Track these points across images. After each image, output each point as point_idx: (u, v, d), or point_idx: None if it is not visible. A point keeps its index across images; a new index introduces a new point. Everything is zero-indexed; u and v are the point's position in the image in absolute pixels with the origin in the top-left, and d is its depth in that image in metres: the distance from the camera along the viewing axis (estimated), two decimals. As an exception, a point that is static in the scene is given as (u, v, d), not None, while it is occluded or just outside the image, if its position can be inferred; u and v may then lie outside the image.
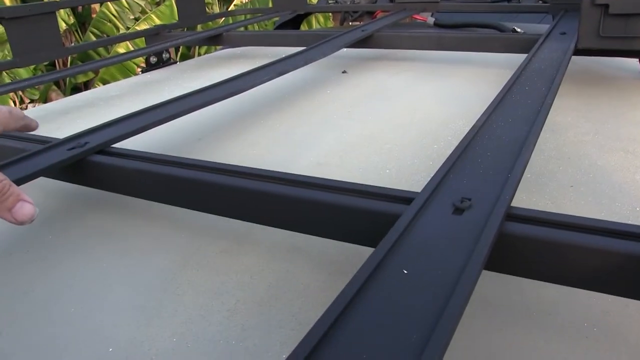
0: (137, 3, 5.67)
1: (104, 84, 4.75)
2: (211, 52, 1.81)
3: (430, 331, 0.31)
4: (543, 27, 1.65)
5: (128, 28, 5.45)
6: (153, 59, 1.57)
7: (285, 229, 0.54)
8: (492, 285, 0.49)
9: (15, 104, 5.15)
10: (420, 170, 0.75)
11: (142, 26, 5.11)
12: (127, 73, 4.81)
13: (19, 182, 0.59)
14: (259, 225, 0.56)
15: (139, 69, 1.61)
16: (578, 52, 1.02)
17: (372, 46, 1.39)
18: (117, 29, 5.47)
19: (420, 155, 0.80)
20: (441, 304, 0.33)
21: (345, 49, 1.33)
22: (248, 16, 1.97)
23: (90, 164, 0.65)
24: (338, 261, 0.55)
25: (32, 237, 0.64)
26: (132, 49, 4.58)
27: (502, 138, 0.59)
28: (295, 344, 0.30)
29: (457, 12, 2.16)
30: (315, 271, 0.54)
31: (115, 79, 4.50)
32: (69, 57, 5.12)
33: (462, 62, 1.36)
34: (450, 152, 0.55)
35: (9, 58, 1.35)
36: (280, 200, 0.52)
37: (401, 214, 0.44)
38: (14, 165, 0.61)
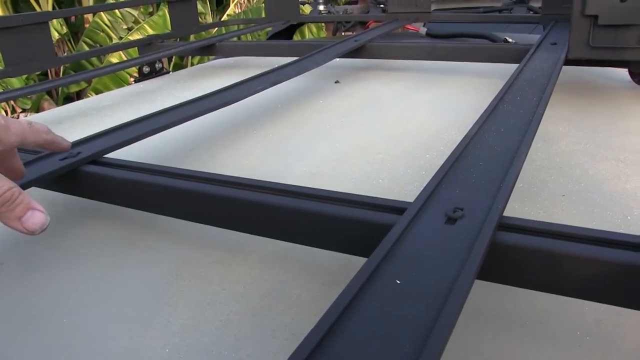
0: (130, 13, 5.67)
1: (96, 93, 4.74)
2: (204, 62, 1.82)
3: (423, 341, 0.31)
4: (534, 38, 1.66)
5: (121, 38, 5.45)
6: (146, 69, 1.57)
7: (279, 239, 0.54)
8: (485, 295, 0.49)
9: (6, 114, 5.13)
10: (413, 180, 0.75)
11: (135, 36, 5.10)
12: (120, 83, 4.81)
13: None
14: (252, 235, 0.55)
15: (132, 79, 1.61)
16: (569, 62, 1.03)
17: (364, 56, 1.39)
18: (110, 38, 5.47)
19: (412, 165, 0.80)
20: (434, 314, 0.33)
21: (338, 59, 1.34)
22: (241, 26, 1.98)
23: (83, 174, 0.64)
24: (331, 271, 0.55)
25: (25, 248, 0.63)
26: (125, 58, 4.58)
27: (494, 148, 0.59)
28: (289, 354, 0.30)
29: (449, 22, 2.18)
30: (309, 281, 0.54)
31: (108, 89, 4.50)
32: (62, 67, 5.11)
33: (454, 72, 1.37)
34: (443, 162, 0.56)
35: (1, 68, 1.34)
36: (273, 210, 0.52)
37: (394, 224, 0.44)
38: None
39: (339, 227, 0.49)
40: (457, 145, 0.60)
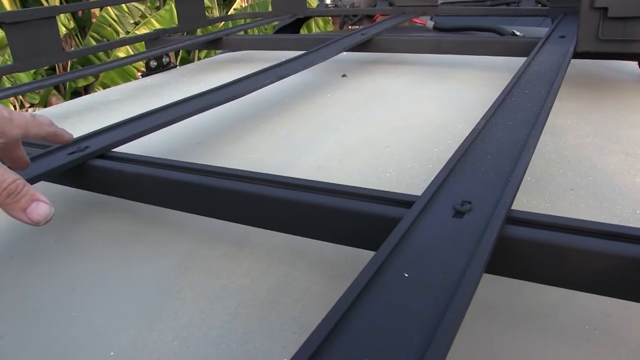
0: (137, 7, 5.68)
1: (104, 88, 4.76)
2: (211, 56, 1.82)
3: (431, 334, 0.31)
4: (542, 31, 1.65)
5: (128, 32, 5.46)
6: (153, 63, 1.57)
7: (286, 233, 0.54)
8: (493, 289, 0.49)
9: (15, 108, 5.15)
10: (421, 173, 0.75)
11: (142, 30, 5.11)
12: (127, 77, 4.82)
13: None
14: (259, 228, 0.56)
15: (139, 73, 1.61)
16: (577, 55, 1.02)
17: (371, 50, 1.39)
18: (117, 33, 5.48)
19: (420, 159, 0.80)
20: (442, 308, 0.33)
21: (345, 53, 1.34)
22: (248, 20, 1.98)
23: (91, 168, 0.65)
24: (339, 265, 0.55)
25: (34, 241, 0.64)
26: (132, 53, 4.59)
27: (502, 141, 0.59)
28: (297, 347, 0.30)
29: (457, 15, 2.17)
30: (316, 275, 0.54)
31: (115, 83, 4.51)
32: (69, 62, 5.13)
33: (461, 66, 1.36)
34: (451, 155, 0.56)
35: (9, 62, 1.35)
36: (280, 203, 0.52)
37: (402, 217, 0.44)
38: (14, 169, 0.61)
39: (347, 220, 0.49)
40: (465, 139, 0.59)
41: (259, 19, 1.97)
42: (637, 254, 0.39)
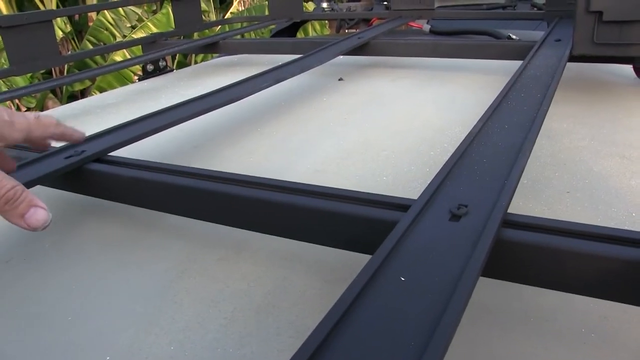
0: (134, 11, 5.68)
1: (100, 92, 4.75)
2: (208, 60, 1.82)
3: (428, 338, 0.31)
4: (538, 34, 1.66)
5: (125, 36, 5.46)
6: (150, 67, 1.57)
7: (282, 237, 0.54)
8: (490, 292, 0.49)
9: (11, 112, 5.13)
10: (417, 177, 0.75)
11: (139, 34, 5.11)
12: (124, 81, 4.81)
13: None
14: (256, 233, 0.56)
15: (136, 77, 1.61)
16: (573, 58, 1.03)
17: (368, 53, 1.39)
18: (114, 37, 5.48)
19: (417, 162, 0.80)
20: (439, 311, 0.33)
21: (341, 57, 1.34)
22: (244, 24, 1.98)
23: (88, 172, 0.64)
24: (336, 268, 0.55)
25: (30, 245, 0.64)
26: (128, 57, 4.59)
27: (499, 144, 0.59)
28: (293, 351, 0.30)
29: (453, 19, 2.17)
30: (313, 279, 0.54)
31: (112, 87, 4.51)
32: (66, 65, 5.12)
33: (457, 69, 1.36)
34: (447, 158, 0.56)
35: (5, 66, 1.35)
36: (277, 207, 0.52)
37: (398, 221, 0.44)
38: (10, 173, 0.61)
39: (344, 224, 0.49)
40: (462, 142, 0.60)
41: (256, 22, 1.98)
42: (633, 257, 0.39)
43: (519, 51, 1.18)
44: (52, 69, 5.35)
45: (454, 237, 0.41)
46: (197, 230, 0.64)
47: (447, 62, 1.41)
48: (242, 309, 0.50)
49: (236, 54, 1.75)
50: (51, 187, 0.68)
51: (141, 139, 0.73)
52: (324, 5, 2.67)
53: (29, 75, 4.66)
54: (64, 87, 5.49)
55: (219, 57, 1.82)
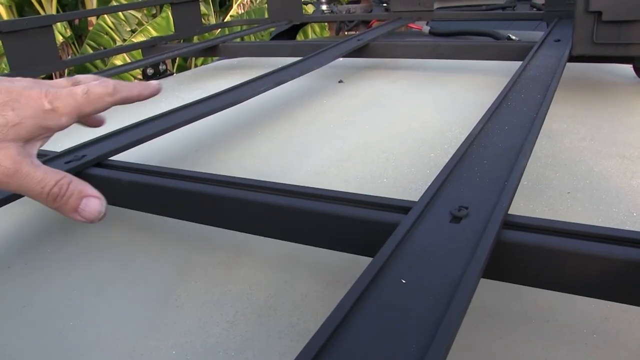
0: (134, 15, 5.69)
1: (101, 96, 4.74)
2: (208, 63, 1.82)
3: (429, 340, 0.31)
4: (537, 35, 1.66)
5: (125, 40, 5.47)
6: (150, 71, 1.57)
7: (283, 240, 0.54)
8: (491, 293, 0.49)
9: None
10: (418, 178, 0.75)
11: (139, 38, 5.11)
12: (124, 85, 4.81)
13: (15, 196, 0.59)
14: (257, 236, 0.56)
15: (136, 81, 1.60)
16: (572, 58, 1.03)
17: (368, 55, 1.39)
18: (114, 41, 5.49)
19: (417, 164, 0.80)
20: (440, 313, 0.33)
21: (341, 59, 1.34)
22: (244, 27, 1.98)
23: (88, 176, 0.64)
24: (336, 271, 0.55)
25: (30, 251, 0.64)
26: (128, 61, 4.60)
27: (499, 146, 0.59)
28: (295, 354, 0.30)
29: (452, 20, 2.17)
30: (314, 281, 0.54)
31: (112, 91, 4.49)
32: (66, 70, 5.13)
33: (457, 70, 1.36)
34: (447, 160, 0.56)
35: (6, 71, 1.35)
36: (278, 211, 0.52)
37: (399, 223, 0.44)
38: (11, 179, 0.61)
39: (344, 227, 0.49)
40: (462, 144, 0.60)
41: (256, 25, 1.98)
42: (635, 257, 0.39)
43: (518, 52, 1.18)
44: (53, 74, 5.35)
45: (455, 239, 0.41)
46: (198, 234, 0.64)
47: (447, 64, 1.41)
48: (244, 312, 0.50)
49: (236, 57, 1.75)
50: (52, 192, 0.68)
51: (141, 143, 0.73)
52: (324, 7, 2.67)
53: (29, 80, 4.66)
54: (65, 91, 5.48)
55: (218, 60, 1.82)
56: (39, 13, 5.40)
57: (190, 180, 0.59)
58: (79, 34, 5.98)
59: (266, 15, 2.00)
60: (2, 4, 5.39)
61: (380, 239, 0.42)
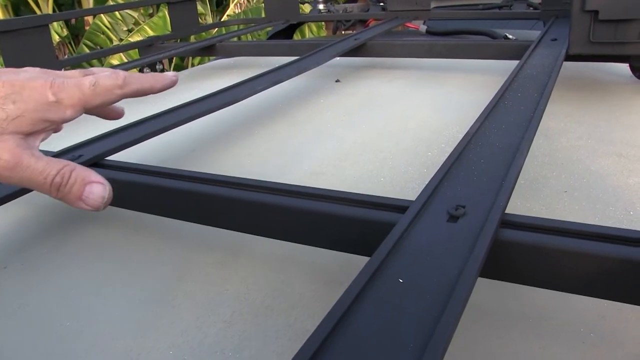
0: (130, 15, 5.68)
1: (97, 95, 4.73)
2: (205, 63, 1.82)
3: (427, 339, 0.31)
4: (534, 34, 1.66)
5: (121, 40, 5.46)
6: (147, 70, 1.57)
7: (281, 239, 0.54)
8: (488, 292, 0.49)
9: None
10: (415, 178, 0.75)
11: (136, 38, 5.10)
12: (121, 84, 4.79)
13: (11, 196, 0.59)
14: (254, 236, 0.55)
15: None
16: (569, 57, 1.03)
17: (365, 55, 1.39)
18: (111, 40, 5.47)
19: (414, 163, 0.80)
20: (437, 312, 0.33)
21: (338, 58, 1.34)
22: (241, 26, 1.98)
23: (85, 176, 0.64)
24: (334, 271, 0.55)
25: (27, 251, 0.64)
26: (125, 60, 4.59)
27: (496, 144, 0.59)
28: (292, 354, 0.30)
29: (449, 19, 2.17)
30: (311, 281, 0.54)
31: (109, 91, 4.48)
32: (63, 70, 5.12)
33: (454, 69, 1.36)
34: (444, 159, 0.56)
35: (2, 71, 1.34)
36: (275, 210, 0.52)
37: (396, 222, 0.44)
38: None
39: (341, 226, 0.49)
40: (459, 143, 0.60)
41: (253, 25, 1.98)
42: (631, 256, 0.39)
43: (515, 51, 1.18)
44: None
45: (452, 238, 0.41)
46: (195, 233, 0.64)
47: (444, 63, 1.41)
48: (241, 312, 0.50)
49: (233, 56, 1.75)
50: (48, 192, 0.68)
51: (138, 142, 0.73)
52: (321, 7, 2.67)
53: (25, 79, 4.64)
54: (61, 91, 5.47)
55: (215, 59, 1.82)
56: (35, 12, 5.38)
57: (187, 180, 0.58)
58: (76, 33, 5.97)
59: (263, 15, 2.00)
60: (-2, 3, 5.37)
61: (377, 238, 0.42)
